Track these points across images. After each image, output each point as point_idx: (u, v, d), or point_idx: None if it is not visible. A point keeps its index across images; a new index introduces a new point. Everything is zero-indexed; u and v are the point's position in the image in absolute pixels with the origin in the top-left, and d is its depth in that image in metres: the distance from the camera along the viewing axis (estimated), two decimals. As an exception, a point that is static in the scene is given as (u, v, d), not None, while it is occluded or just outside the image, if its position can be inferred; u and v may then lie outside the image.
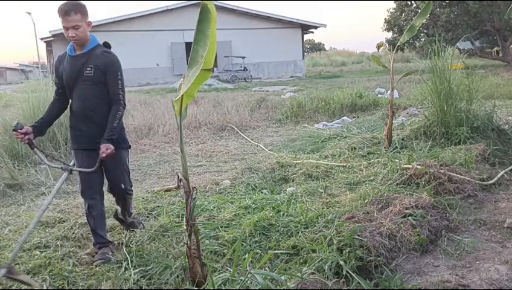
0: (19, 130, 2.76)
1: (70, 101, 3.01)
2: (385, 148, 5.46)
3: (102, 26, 23.67)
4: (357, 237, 2.75)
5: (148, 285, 2.49)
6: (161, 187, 4.58)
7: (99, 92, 2.87)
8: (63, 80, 2.94)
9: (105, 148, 2.70)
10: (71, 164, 2.97)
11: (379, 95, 11.68)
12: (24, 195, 4.52)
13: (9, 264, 2.36)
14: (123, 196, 3.18)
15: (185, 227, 2.66)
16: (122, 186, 3.08)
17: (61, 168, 2.89)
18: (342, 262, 2.51)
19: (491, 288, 2.42)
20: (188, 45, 23.38)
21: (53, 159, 3.00)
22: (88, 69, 2.84)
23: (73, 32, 2.84)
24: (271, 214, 3.32)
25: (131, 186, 3.26)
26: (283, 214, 3.36)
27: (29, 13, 28.40)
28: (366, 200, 3.51)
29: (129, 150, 3.20)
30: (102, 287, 2.49)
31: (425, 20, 5.83)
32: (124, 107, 2.93)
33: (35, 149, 2.90)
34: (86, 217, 3.09)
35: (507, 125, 5.52)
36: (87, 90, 2.88)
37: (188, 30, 23.76)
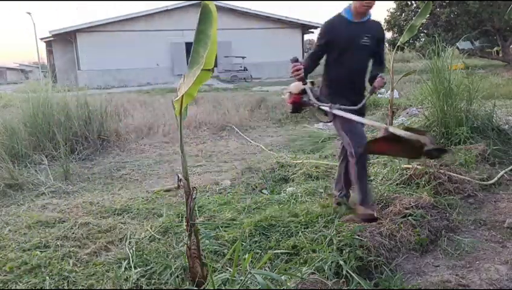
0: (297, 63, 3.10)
1: (331, 67, 3.27)
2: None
3: (102, 26, 23.68)
4: (357, 237, 2.75)
5: (148, 285, 2.49)
6: (161, 187, 4.58)
7: (368, 61, 3.25)
8: (334, 45, 3.17)
9: (382, 78, 3.14)
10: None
11: (379, 95, 11.66)
12: (24, 195, 4.52)
13: None
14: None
15: (185, 227, 2.66)
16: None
17: (329, 107, 3.10)
18: (342, 262, 2.51)
19: (491, 288, 2.42)
20: (188, 45, 23.41)
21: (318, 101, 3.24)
22: (365, 38, 3.12)
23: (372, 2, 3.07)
24: (271, 214, 3.32)
25: None
26: (284, 215, 3.36)
27: (29, 13, 28.40)
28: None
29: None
30: (102, 287, 2.49)
31: (425, 20, 5.84)
32: (385, 66, 3.55)
33: (305, 87, 3.21)
34: (352, 170, 3.18)
35: (507, 125, 5.52)
36: (361, 58, 3.20)
37: (188, 30, 23.78)
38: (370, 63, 3.26)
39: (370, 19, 3.17)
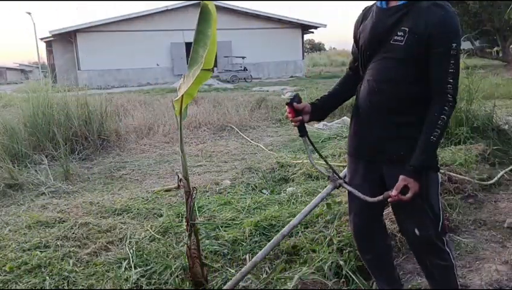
0: (295, 105, 1.93)
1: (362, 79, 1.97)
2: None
3: (102, 26, 23.68)
4: (357, 237, 2.74)
5: (148, 285, 2.49)
6: (161, 187, 4.58)
7: (403, 74, 1.80)
8: (359, 48, 1.96)
9: (402, 186, 1.73)
10: (342, 174, 2.14)
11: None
12: (24, 195, 4.51)
13: None
14: (426, 247, 1.92)
15: (185, 227, 2.66)
16: (417, 231, 1.88)
17: (328, 177, 2.12)
18: (341, 262, 2.51)
19: (491, 288, 2.42)
20: (188, 45, 23.35)
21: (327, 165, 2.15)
22: (399, 33, 1.77)
23: None
24: (271, 214, 3.32)
25: (443, 231, 1.93)
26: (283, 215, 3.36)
27: (29, 13, 28.38)
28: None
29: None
30: (102, 287, 2.49)
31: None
32: (453, 106, 1.75)
33: (305, 138, 2.05)
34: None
35: (507, 125, 5.52)
36: (387, 67, 1.84)
37: (188, 30, 23.76)
38: (413, 81, 1.80)
39: (419, 4, 1.75)
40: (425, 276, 2.08)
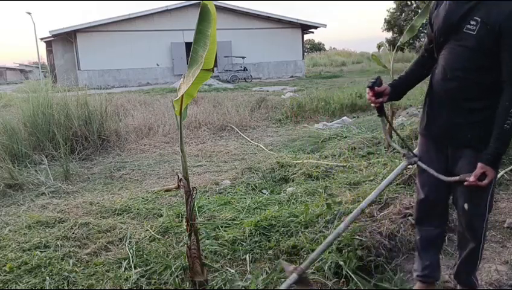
0: (376, 89, 2.03)
1: (437, 63, 2.05)
2: (385, 148, 5.46)
3: (102, 26, 23.68)
4: (357, 237, 2.75)
5: (148, 285, 2.49)
6: (161, 187, 4.58)
7: (476, 63, 1.86)
8: (433, 33, 2.03)
9: (479, 173, 1.82)
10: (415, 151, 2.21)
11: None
12: (24, 195, 4.52)
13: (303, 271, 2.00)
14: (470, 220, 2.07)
15: (185, 227, 2.66)
16: (466, 206, 2.03)
17: (404, 154, 2.16)
18: (341, 262, 2.51)
19: (491, 288, 2.42)
20: (188, 45, 23.41)
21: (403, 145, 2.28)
22: (472, 22, 1.82)
23: None
24: (271, 214, 3.32)
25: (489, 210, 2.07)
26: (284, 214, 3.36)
27: (29, 13, 28.35)
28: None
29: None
30: (102, 287, 2.49)
31: (425, 20, 5.82)
32: None
33: (383, 118, 2.17)
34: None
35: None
36: (461, 55, 1.89)
37: (188, 30, 23.81)
38: (484, 69, 1.85)
39: None
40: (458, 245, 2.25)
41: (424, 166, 2.07)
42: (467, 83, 1.88)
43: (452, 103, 1.94)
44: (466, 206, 2.01)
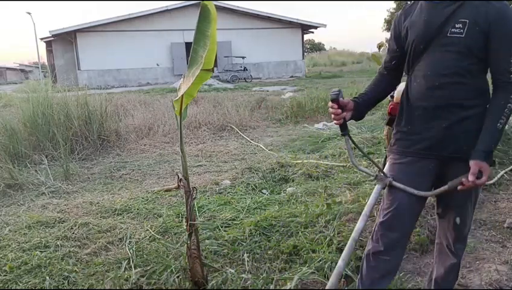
0: (340, 101, 1.85)
1: (411, 76, 1.91)
2: (385, 148, 5.46)
3: (102, 26, 23.68)
4: (357, 237, 2.74)
5: (148, 285, 2.49)
6: (161, 187, 4.58)
7: (463, 65, 1.76)
8: (406, 44, 1.90)
9: (476, 170, 1.69)
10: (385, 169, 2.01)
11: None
12: (24, 195, 4.52)
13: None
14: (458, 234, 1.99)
15: (185, 227, 2.66)
16: (457, 220, 1.94)
17: (375, 177, 1.98)
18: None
19: (491, 288, 2.42)
20: (188, 45, 23.40)
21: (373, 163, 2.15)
22: (457, 26, 1.75)
23: None
24: (271, 214, 3.32)
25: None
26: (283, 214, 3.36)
27: (29, 13, 28.37)
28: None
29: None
30: (102, 287, 2.49)
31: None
32: None
33: (347, 138, 1.95)
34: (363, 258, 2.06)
35: (507, 125, 5.52)
36: (447, 59, 1.78)
37: (188, 30, 23.79)
38: (475, 72, 1.78)
39: None
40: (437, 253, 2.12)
41: (400, 186, 1.87)
42: (458, 89, 1.77)
43: (443, 111, 1.80)
44: (458, 220, 1.92)
